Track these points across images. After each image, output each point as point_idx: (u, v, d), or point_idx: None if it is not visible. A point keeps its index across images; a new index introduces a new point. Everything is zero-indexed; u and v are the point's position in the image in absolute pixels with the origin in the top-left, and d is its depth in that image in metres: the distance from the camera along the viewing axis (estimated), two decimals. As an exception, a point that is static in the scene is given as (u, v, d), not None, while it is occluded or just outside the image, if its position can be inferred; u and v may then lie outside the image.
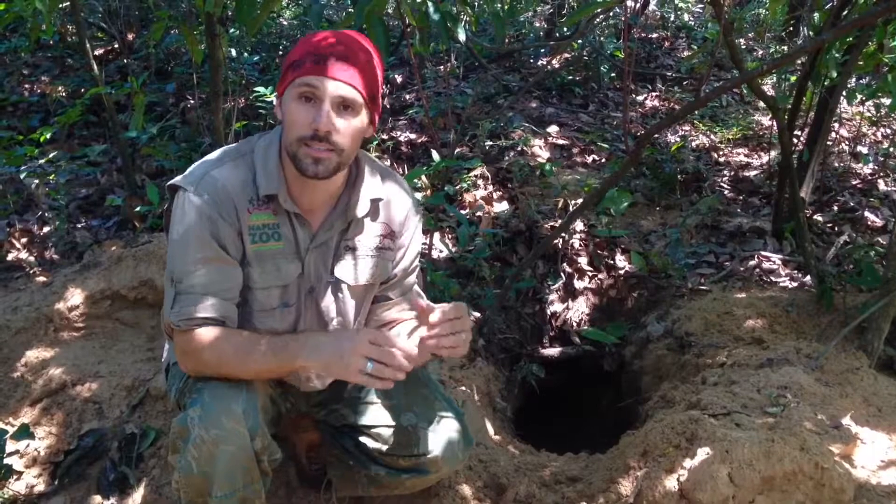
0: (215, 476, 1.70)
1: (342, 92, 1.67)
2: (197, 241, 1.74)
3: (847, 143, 5.40)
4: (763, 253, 3.83)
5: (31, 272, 3.50)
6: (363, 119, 1.74)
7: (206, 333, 1.74)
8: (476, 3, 6.44)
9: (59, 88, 5.38)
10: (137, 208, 3.89)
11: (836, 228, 4.15)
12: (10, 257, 3.65)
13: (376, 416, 2.02)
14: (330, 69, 1.66)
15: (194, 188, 1.76)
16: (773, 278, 3.65)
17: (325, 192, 1.85)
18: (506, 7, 5.46)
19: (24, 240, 3.78)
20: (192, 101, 5.11)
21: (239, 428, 1.69)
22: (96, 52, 5.93)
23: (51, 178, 4.10)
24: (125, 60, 5.67)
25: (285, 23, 7.52)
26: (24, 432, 2.32)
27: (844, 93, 3.75)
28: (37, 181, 4.00)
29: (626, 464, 2.28)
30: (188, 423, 1.70)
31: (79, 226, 3.96)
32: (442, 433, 1.96)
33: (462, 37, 2.81)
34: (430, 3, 2.73)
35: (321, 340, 1.75)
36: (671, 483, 2.06)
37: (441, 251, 3.91)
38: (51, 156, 4.24)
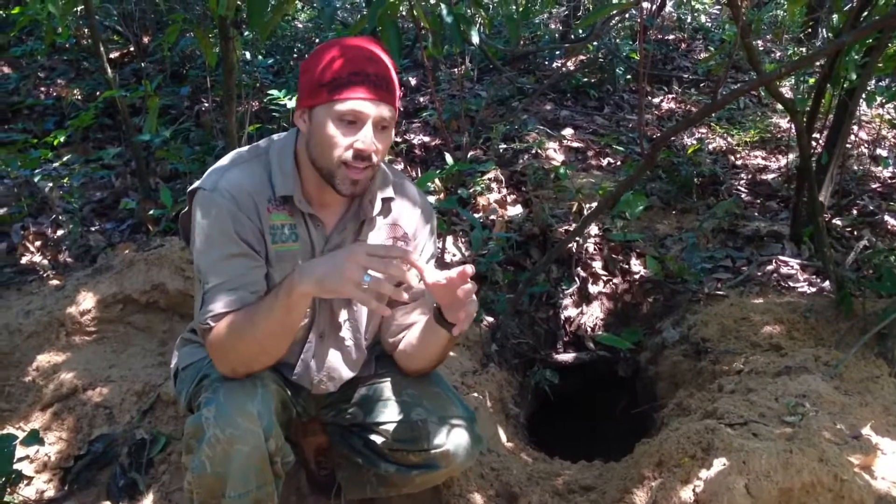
0: (229, 476, 1.69)
1: (384, 113, 1.69)
2: (221, 238, 1.74)
3: (867, 146, 5.34)
4: (781, 258, 3.78)
5: (45, 275, 3.51)
6: (393, 131, 1.78)
7: (226, 318, 1.72)
8: (490, 6, 6.42)
9: (75, 92, 5.40)
10: (151, 211, 3.89)
11: (856, 233, 4.09)
12: (23, 260, 3.65)
13: (386, 412, 2.01)
14: (374, 92, 1.68)
15: (213, 188, 1.76)
16: (791, 283, 3.60)
17: (336, 196, 1.84)
18: (520, 9, 5.43)
19: (38, 243, 3.78)
20: (206, 105, 5.12)
21: (254, 427, 1.68)
22: (112, 56, 5.96)
23: (65, 181, 4.10)
24: (140, 63, 5.68)
25: (300, 25, 7.53)
26: (34, 438, 2.31)
27: (864, 95, 3.70)
28: (51, 184, 4.01)
29: (640, 473, 2.24)
30: (203, 422, 1.69)
31: (92, 229, 3.96)
32: (452, 429, 1.94)
33: (475, 39, 2.79)
34: (443, 6, 2.71)
35: (315, 261, 1.68)
36: (687, 494, 2.03)
37: (454, 255, 3.88)
38: (65, 159, 4.26)
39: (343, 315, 1.95)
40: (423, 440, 1.93)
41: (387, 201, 1.93)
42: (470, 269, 1.62)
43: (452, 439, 1.92)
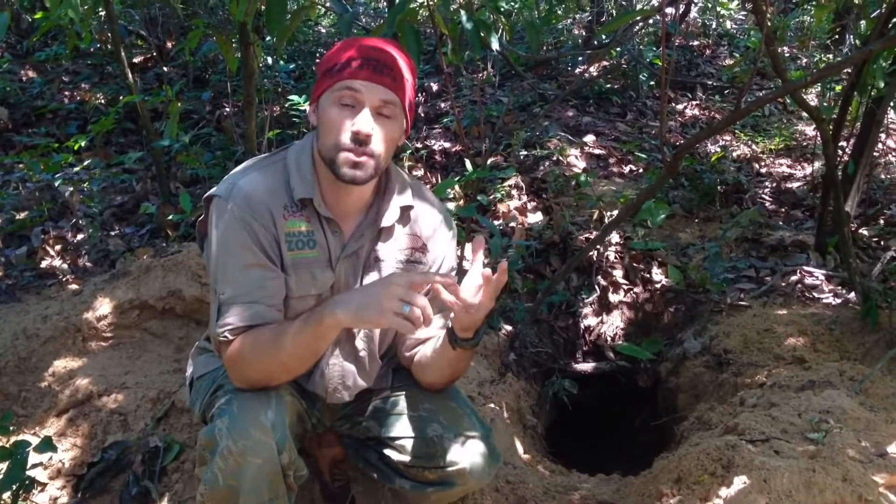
0: (241, 489, 1.66)
1: (383, 96, 1.68)
2: (236, 247, 1.72)
3: (894, 154, 5.24)
4: (806, 268, 3.71)
5: (64, 280, 3.52)
6: (401, 124, 1.75)
7: (248, 335, 1.70)
8: (512, 12, 6.38)
9: (98, 96, 5.43)
10: (170, 216, 3.90)
11: (883, 243, 4.01)
12: (43, 264, 3.67)
13: (401, 427, 1.97)
14: (372, 74, 1.67)
15: (228, 196, 1.74)
16: (815, 294, 3.53)
17: (359, 198, 1.84)
18: (542, 15, 5.39)
19: (57, 247, 3.80)
20: (227, 109, 5.13)
21: (267, 440, 1.66)
22: (135, 60, 6.00)
23: (85, 185, 4.12)
24: (163, 68, 5.71)
25: (323, 30, 7.54)
26: (47, 445, 2.30)
27: (892, 103, 3.62)
28: (71, 188, 4.02)
29: (658, 490, 2.20)
30: (216, 433, 1.67)
31: (112, 233, 3.98)
32: (468, 445, 1.89)
33: (496, 46, 2.76)
34: (462, 12, 2.68)
35: (351, 292, 1.69)
36: (706, 512, 1.98)
37: (472, 262, 3.85)
38: (86, 163, 4.28)
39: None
40: (438, 457, 1.89)
41: (405, 209, 1.89)
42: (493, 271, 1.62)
43: (469, 457, 1.87)
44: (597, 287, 3.87)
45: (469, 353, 1.84)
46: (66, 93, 5.61)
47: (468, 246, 3.82)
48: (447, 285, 1.64)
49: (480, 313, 1.69)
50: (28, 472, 2.30)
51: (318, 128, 1.73)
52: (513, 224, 4.17)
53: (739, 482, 1.97)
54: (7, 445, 2.28)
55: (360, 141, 1.66)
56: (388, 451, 1.97)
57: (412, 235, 1.92)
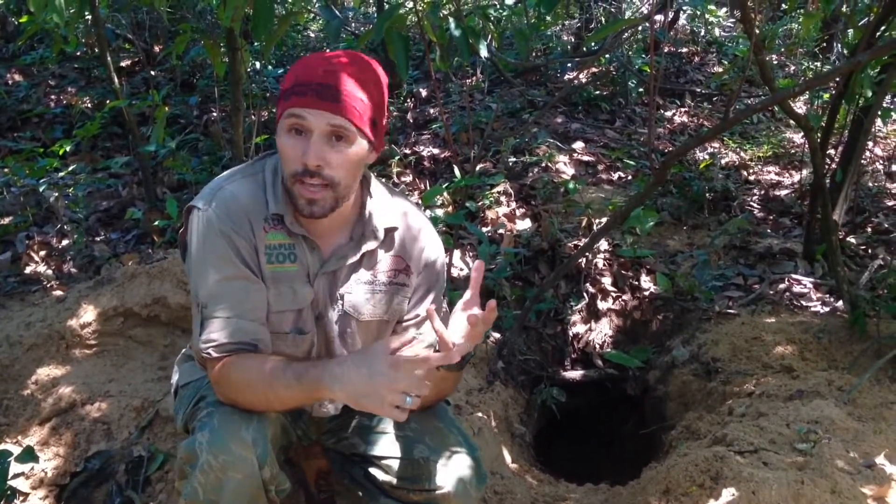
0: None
1: (330, 121, 1.59)
2: (216, 259, 1.69)
3: (882, 162, 5.26)
4: (794, 276, 3.72)
5: (49, 286, 3.48)
6: (361, 146, 1.66)
7: (237, 361, 1.66)
8: (501, 18, 6.38)
9: (85, 100, 5.39)
10: (156, 222, 3.87)
11: (871, 251, 4.02)
12: (27, 270, 3.63)
13: (387, 447, 1.94)
14: (314, 100, 1.58)
15: (206, 205, 1.70)
16: (804, 303, 3.54)
17: (336, 219, 1.76)
18: (532, 21, 5.39)
19: (42, 252, 3.76)
20: (214, 114, 5.10)
21: (248, 455, 1.62)
22: (123, 64, 5.96)
23: (70, 190, 4.08)
24: (151, 72, 5.67)
25: (312, 35, 7.52)
26: (29, 455, 2.27)
27: (879, 112, 3.64)
28: (56, 194, 3.98)
29: (646, 501, 2.18)
30: (196, 447, 1.64)
31: (97, 239, 3.94)
32: (454, 468, 1.86)
33: (484, 52, 2.75)
34: (451, 20, 2.68)
35: (352, 371, 1.57)
36: (694, 524, 1.97)
37: (461, 270, 3.84)
38: (71, 168, 4.24)
39: (338, 348, 1.88)
40: (424, 479, 1.85)
41: (390, 231, 1.84)
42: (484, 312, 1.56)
43: (454, 480, 1.84)
44: (585, 294, 3.87)
45: (454, 374, 1.79)
46: (53, 97, 5.56)
47: (456, 253, 3.82)
48: (442, 344, 1.59)
49: (466, 348, 1.64)
50: (10, 483, 2.27)
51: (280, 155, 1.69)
52: (501, 231, 4.16)
53: (728, 494, 1.96)
54: (-12, 455, 2.25)
55: (311, 172, 1.61)
56: (373, 470, 1.94)
57: (396, 257, 1.87)
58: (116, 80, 3.94)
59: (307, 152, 1.59)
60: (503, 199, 4.44)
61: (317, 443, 2.10)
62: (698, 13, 7.64)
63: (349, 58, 1.68)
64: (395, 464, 1.91)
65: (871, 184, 4.90)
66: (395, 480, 1.90)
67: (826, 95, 5.01)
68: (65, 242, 3.85)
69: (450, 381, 1.85)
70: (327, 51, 1.77)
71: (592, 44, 6.35)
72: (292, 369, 1.63)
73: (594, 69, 6.64)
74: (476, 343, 1.64)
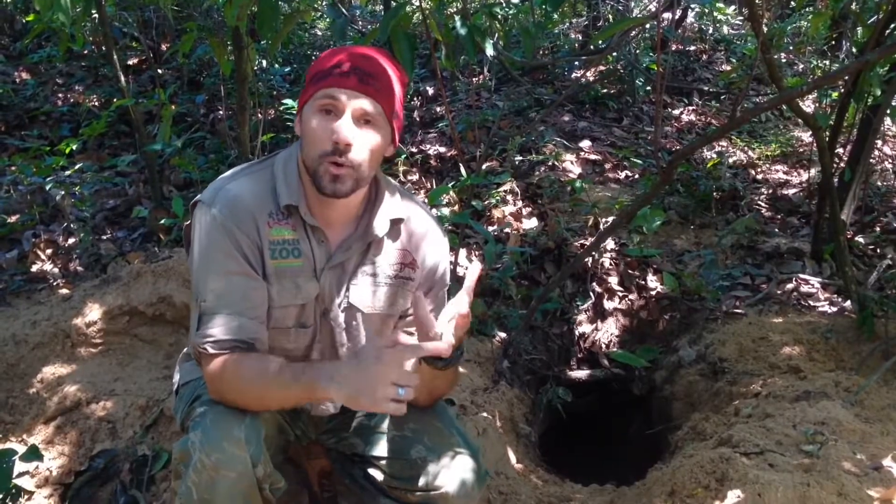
0: (215, 503, 1.63)
1: (365, 105, 1.64)
2: (218, 254, 1.69)
3: (891, 161, 5.23)
4: (801, 276, 3.70)
5: (55, 284, 3.49)
6: (384, 136, 1.70)
7: (233, 359, 1.67)
8: (507, 17, 6.36)
9: (92, 98, 5.40)
10: (162, 220, 3.87)
11: (879, 251, 3.99)
12: (34, 268, 3.64)
13: (385, 446, 1.94)
14: (353, 81, 1.63)
15: (211, 202, 1.71)
16: (811, 303, 3.52)
17: (346, 209, 1.79)
18: (539, 20, 5.37)
19: (48, 251, 3.77)
20: (221, 113, 5.10)
21: (240, 453, 1.62)
22: (130, 62, 5.97)
23: (77, 188, 4.09)
24: (158, 71, 5.68)
25: (319, 33, 7.51)
26: (34, 454, 2.27)
27: (888, 111, 3.61)
28: (62, 192, 3.99)
29: (652, 502, 2.17)
30: (189, 447, 1.64)
31: (104, 237, 3.94)
32: (454, 468, 1.85)
33: (490, 51, 2.74)
34: (457, 18, 2.67)
35: (345, 371, 1.58)
36: (699, 526, 1.96)
37: (466, 269, 3.83)
38: (78, 166, 4.24)
39: (342, 339, 1.88)
40: (422, 479, 1.85)
41: (396, 223, 1.85)
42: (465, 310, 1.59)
43: (454, 480, 1.83)
44: (591, 294, 3.85)
45: (446, 373, 1.78)
46: (60, 95, 5.57)
47: (462, 252, 3.81)
48: (421, 334, 1.61)
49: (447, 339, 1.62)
50: (15, 481, 2.27)
51: (302, 137, 1.70)
52: (507, 230, 4.15)
53: (733, 496, 1.95)
54: (-7, 453, 2.26)
55: (340, 150, 1.63)
56: (371, 470, 1.94)
57: (402, 250, 1.87)
58: (123, 78, 3.94)
59: (339, 130, 1.62)
60: (509, 197, 4.43)
61: (317, 442, 2.10)
62: (706, 11, 7.61)
63: (384, 54, 1.74)
64: (392, 464, 1.91)
65: (879, 183, 4.87)
66: (392, 480, 1.91)
67: (835, 94, 4.98)
68: (71, 241, 3.85)
69: (443, 380, 1.83)
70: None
71: (600, 42, 6.33)
72: (289, 369, 1.64)
73: (601, 67, 6.61)
74: (458, 339, 1.64)
